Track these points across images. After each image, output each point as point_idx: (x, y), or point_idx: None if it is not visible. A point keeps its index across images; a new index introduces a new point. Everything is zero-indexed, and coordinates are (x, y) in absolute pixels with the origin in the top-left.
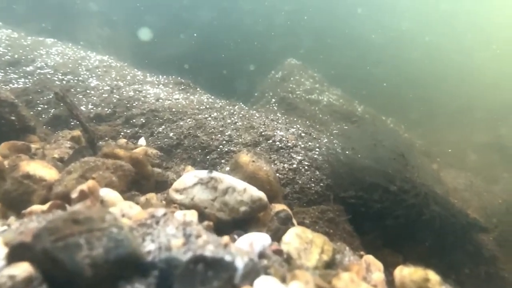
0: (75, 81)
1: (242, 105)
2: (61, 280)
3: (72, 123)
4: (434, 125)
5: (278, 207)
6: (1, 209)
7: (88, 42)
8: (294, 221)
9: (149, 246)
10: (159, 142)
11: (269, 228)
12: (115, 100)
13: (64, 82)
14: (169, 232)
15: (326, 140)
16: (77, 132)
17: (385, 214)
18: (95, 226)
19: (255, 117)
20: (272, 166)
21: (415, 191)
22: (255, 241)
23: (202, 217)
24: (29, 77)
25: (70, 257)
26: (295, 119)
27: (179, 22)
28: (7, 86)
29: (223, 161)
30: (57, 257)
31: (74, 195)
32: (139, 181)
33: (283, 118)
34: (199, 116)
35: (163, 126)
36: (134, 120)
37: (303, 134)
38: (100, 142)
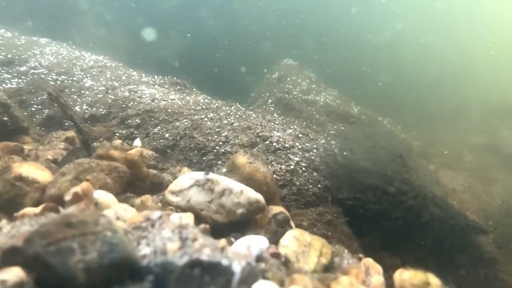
0: (70, 81)
1: (239, 105)
2: (53, 286)
3: (66, 124)
4: (430, 126)
5: (276, 209)
6: None
7: (82, 41)
8: (292, 224)
9: (144, 250)
10: (154, 143)
11: (266, 231)
12: (110, 101)
13: (58, 82)
14: (164, 235)
15: (323, 141)
16: (71, 133)
17: (383, 216)
18: (88, 230)
19: (252, 118)
20: (269, 167)
21: (414, 193)
22: (252, 244)
23: (198, 219)
24: (23, 77)
25: (63, 262)
26: (292, 120)
27: (174, 22)
28: (0, 86)
29: (219, 162)
30: (49, 261)
31: (67, 197)
32: (134, 183)
33: (280, 118)
34: (195, 116)
35: (159, 127)
36: (129, 121)
37: (300, 135)
38: (95, 143)
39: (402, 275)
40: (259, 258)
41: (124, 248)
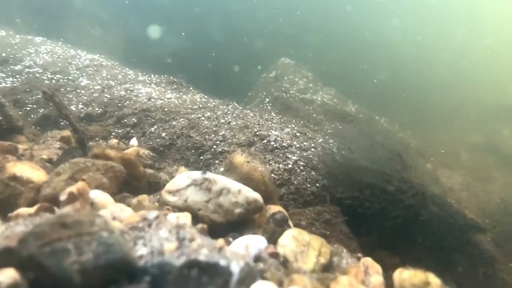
0: (65, 80)
1: (236, 104)
2: (48, 287)
3: (61, 123)
4: (427, 125)
5: (274, 208)
6: None
7: (77, 40)
8: (290, 223)
9: (141, 250)
10: (151, 143)
11: (264, 231)
12: (106, 100)
13: (54, 81)
14: (161, 235)
15: (321, 140)
16: (66, 132)
17: (382, 215)
18: (84, 230)
19: (249, 117)
20: (267, 166)
21: (412, 192)
22: (250, 244)
23: (195, 219)
24: (17, 76)
25: (58, 263)
26: (289, 119)
27: (171, 20)
28: None
29: (217, 161)
30: (43, 263)
31: (63, 197)
32: (130, 183)
33: (278, 117)
34: (192, 115)
35: (155, 126)
36: (125, 120)
37: (298, 134)
38: (91, 143)
39: (402, 274)
40: (258, 258)
41: (120, 248)
